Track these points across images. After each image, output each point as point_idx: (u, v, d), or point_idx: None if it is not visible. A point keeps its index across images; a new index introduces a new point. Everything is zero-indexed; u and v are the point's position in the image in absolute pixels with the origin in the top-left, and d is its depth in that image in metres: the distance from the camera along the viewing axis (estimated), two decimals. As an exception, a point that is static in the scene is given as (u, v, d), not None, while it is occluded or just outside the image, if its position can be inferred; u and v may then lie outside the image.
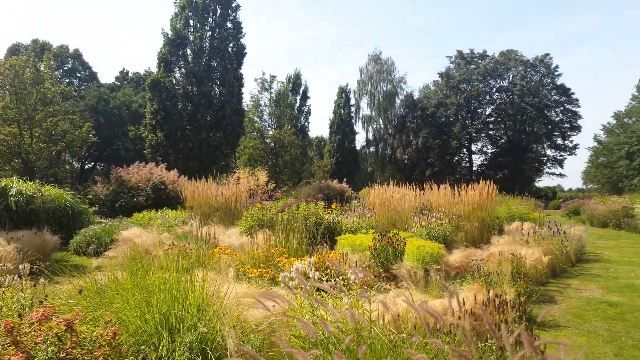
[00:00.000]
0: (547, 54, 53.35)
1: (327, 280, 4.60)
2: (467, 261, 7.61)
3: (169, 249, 6.28)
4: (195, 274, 3.80)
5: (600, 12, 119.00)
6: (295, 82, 42.06)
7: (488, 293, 4.57)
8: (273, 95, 37.33)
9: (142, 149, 29.54)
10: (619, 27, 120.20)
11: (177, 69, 29.24)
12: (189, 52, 29.29)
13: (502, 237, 10.23)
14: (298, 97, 42.53)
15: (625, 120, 51.09)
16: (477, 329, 3.40)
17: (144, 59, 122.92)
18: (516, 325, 4.01)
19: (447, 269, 7.61)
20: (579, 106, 54.08)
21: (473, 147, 56.13)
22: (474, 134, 54.77)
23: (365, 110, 54.85)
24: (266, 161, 32.55)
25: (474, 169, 55.78)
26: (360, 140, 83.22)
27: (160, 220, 12.82)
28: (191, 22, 29.38)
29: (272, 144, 33.74)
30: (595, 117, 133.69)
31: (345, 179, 27.23)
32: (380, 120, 52.90)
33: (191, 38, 29.13)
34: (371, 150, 53.66)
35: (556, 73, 53.58)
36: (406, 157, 53.21)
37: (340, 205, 16.18)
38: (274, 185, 16.22)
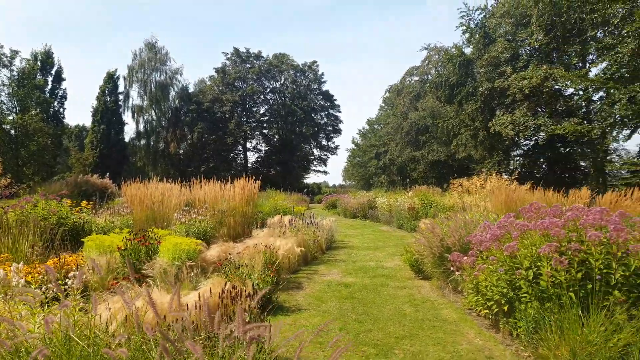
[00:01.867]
0: (315, 61, 59.16)
1: (39, 287, 3.90)
2: (224, 255, 7.63)
3: None
4: None
5: (359, 30, 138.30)
6: (45, 61, 36.03)
7: (225, 285, 4.61)
8: (15, 73, 31.32)
9: None
10: (374, 45, 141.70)
11: None
12: None
13: (263, 230, 10.68)
14: (50, 79, 36.64)
15: (375, 126, 60.69)
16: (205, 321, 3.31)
17: None
18: (246, 314, 4.09)
19: (204, 265, 7.49)
20: (340, 111, 61.69)
21: (248, 145, 58.31)
22: (249, 132, 56.75)
23: (136, 99, 50.98)
24: (3, 152, 27.00)
25: (249, 165, 57.91)
26: (129, 132, 77.36)
27: None
28: None
29: (13, 132, 28.23)
30: (354, 122, 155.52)
31: (108, 174, 24.63)
32: (153, 111, 49.91)
33: None
34: (142, 143, 50.14)
35: (322, 80, 59.86)
36: (181, 151, 51.62)
37: (100, 203, 14.45)
38: (9, 180, 13.43)
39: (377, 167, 51.74)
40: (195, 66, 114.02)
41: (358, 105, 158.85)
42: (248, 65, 56.68)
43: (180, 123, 51.02)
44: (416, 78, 42.24)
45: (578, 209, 5.12)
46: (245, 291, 4.64)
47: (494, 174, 16.19)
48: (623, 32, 16.43)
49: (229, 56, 57.02)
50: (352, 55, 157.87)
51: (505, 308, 4.59)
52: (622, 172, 22.29)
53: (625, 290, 4.11)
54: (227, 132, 53.65)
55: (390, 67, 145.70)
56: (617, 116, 19.25)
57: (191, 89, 53.94)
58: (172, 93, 50.71)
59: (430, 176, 38.36)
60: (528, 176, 26.26)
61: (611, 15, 18.05)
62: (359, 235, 15.76)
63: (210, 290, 4.62)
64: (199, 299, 4.22)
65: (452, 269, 6.26)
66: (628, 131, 20.83)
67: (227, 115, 53.99)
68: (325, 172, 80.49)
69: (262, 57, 57.54)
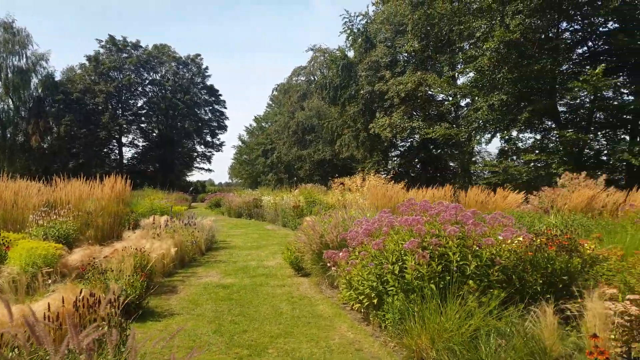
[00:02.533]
0: (199, 55, 57.02)
1: None
2: (89, 260, 6.92)
3: None
4: None
5: (246, 26, 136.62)
6: None
7: (80, 293, 4.15)
8: None
9: None
10: (261, 42, 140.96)
11: None
12: None
13: (136, 231, 9.93)
14: None
15: (263, 123, 60.38)
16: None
17: None
18: (104, 322, 3.70)
19: (66, 271, 6.75)
20: (226, 107, 60.15)
21: (124, 139, 54.08)
22: (125, 126, 52.85)
23: (-13, 85, 44.53)
24: None
25: (125, 162, 53.93)
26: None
27: None
28: None
29: None
30: (241, 119, 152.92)
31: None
32: (10, 100, 44.02)
33: None
34: (-3, 135, 43.97)
35: (206, 74, 57.88)
36: (45, 145, 46.25)
37: None
38: None
39: (264, 165, 51.60)
40: (66, 54, 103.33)
41: (245, 101, 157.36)
42: (125, 55, 52.68)
43: (44, 114, 45.63)
44: (303, 78, 43.00)
45: (441, 205, 5.52)
46: (108, 298, 4.20)
47: (372, 173, 17.05)
48: (484, 46, 18.31)
49: (103, 44, 52.37)
50: (239, 51, 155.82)
51: (375, 301, 4.77)
52: (485, 172, 24.92)
53: (477, 280, 4.51)
54: (100, 126, 49.31)
55: (278, 64, 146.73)
56: (480, 121, 21.46)
57: (58, 77, 48.61)
58: (35, 80, 45.16)
59: (316, 175, 39.30)
60: (404, 175, 28.23)
61: (475, 29, 20.04)
62: (243, 234, 15.50)
63: (63, 298, 4.10)
64: (49, 309, 3.73)
65: (328, 265, 6.37)
66: (489, 135, 23.38)
67: (100, 107, 49.60)
68: (209, 170, 78.27)
69: (141, 46, 53.90)
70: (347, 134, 30.77)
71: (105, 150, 53.12)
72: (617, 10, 16.19)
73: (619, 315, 4.13)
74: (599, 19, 18.12)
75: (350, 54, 31.01)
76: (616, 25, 18.40)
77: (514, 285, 4.78)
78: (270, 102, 60.51)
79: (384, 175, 24.97)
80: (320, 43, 54.67)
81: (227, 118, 60.43)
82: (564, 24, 19.43)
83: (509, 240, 5.26)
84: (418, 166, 31.26)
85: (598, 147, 20.20)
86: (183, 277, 8.00)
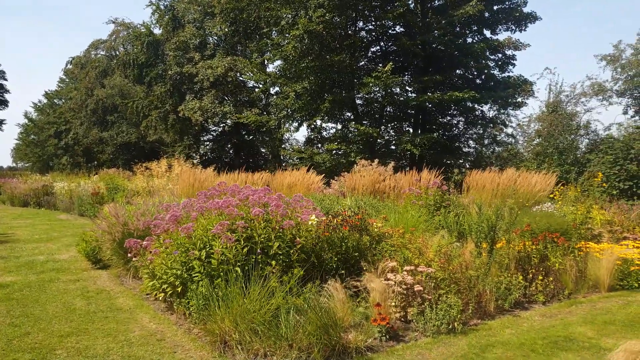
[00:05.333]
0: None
1: None
2: None
3: None
4: None
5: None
6: None
7: None
8: None
9: None
10: (48, 8, 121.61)
11: None
12: None
13: None
14: None
15: (56, 100, 52.32)
16: None
17: None
18: None
19: None
20: (5, 79, 50.29)
21: None
22: None
23: None
24: None
25: None
26: None
27: None
28: None
29: None
30: (27, 94, 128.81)
31: None
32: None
33: None
34: None
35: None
36: None
37: None
38: None
39: (57, 147, 45.02)
40: None
41: (32, 74, 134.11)
42: None
43: None
44: (103, 52, 38.70)
45: (249, 189, 5.69)
46: None
47: (181, 158, 16.49)
48: (290, 33, 19.17)
49: None
50: (21, 18, 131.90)
51: (179, 289, 4.68)
52: (294, 158, 26.29)
53: (280, 260, 4.81)
54: None
55: (72, 35, 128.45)
56: (288, 109, 22.53)
57: None
58: None
59: (120, 159, 36.09)
60: (217, 160, 27.98)
61: (281, 18, 20.80)
62: (29, 225, 13.42)
63: None
64: None
65: (129, 255, 6.00)
66: (296, 124, 24.75)
67: None
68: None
69: None
70: (154, 116, 28.96)
71: None
72: (402, 16, 18.65)
73: (398, 284, 4.90)
74: (389, 22, 20.67)
75: (158, 31, 29.16)
76: (402, 29, 21.29)
77: (313, 263, 5.25)
78: (64, 77, 52.86)
79: (196, 161, 24.45)
80: (123, 17, 49.55)
81: (8, 91, 50.79)
82: (361, 24, 21.66)
83: (311, 222, 5.74)
84: (231, 152, 31.36)
85: (388, 137, 23.27)
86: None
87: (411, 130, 22.61)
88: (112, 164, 33.23)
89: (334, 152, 21.04)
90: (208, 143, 31.94)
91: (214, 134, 31.57)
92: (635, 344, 2.96)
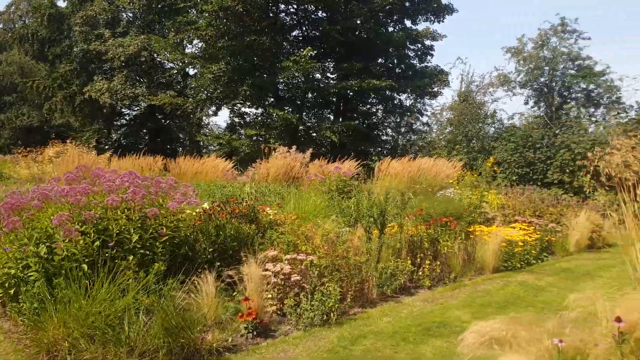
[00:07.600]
0: None
1: None
2: None
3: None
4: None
5: None
6: None
7: None
8: None
9: None
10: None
11: None
12: None
13: None
14: None
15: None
16: None
17: None
18: None
19: None
20: None
21: None
22: None
23: None
24: None
25: None
26: None
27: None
28: None
29: None
30: None
31: None
32: None
33: None
34: None
35: None
36: None
37: None
38: None
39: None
40: None
41: None
42: None
43: None
44: (0, 25, 35.01)
45: (114, 174, 5.09)
46: None
47: (91, 144, 15.20)
48: (203, 8, 18.14)
49: None
50: None
51: (12, 292, 4.01)
52: (214, 144, 25.29)
53: (140, 254, 4.27)
54: None
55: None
56: (206, 92, 21.50)
57: None
58: None
59: (22, 144, 32.87)
60: (133, 147, 26.20)
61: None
62: None
63: None
64: None
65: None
66: (214, 107, 23.77)
67: None
68: None
69: None
70: (60, 97, 26.50)
71: None
72: (324, 1, 18.32)
73: (276, 275, 4.58)
74: (311, 6, 20.24)
75: (62, 4, 26.68)
76: (324, 14, 20.96)
77: (185, 255, 4.78)
78: None
79: (107, 147, 22.74)
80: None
81: None
82: (282, 6, 21.05)
83: (188, 210, 5.26)
84: (147, 137, 29.56)
85: (309, 124, 22.97)
86: None
87: (332, 117, 22.51)
88: (8, 151, 30.16)
89: (254, 138, 20.42)
90: (121, 128, 29.89)
91: (128, 118, 29.62)
92: (486, 325, 2.84)
